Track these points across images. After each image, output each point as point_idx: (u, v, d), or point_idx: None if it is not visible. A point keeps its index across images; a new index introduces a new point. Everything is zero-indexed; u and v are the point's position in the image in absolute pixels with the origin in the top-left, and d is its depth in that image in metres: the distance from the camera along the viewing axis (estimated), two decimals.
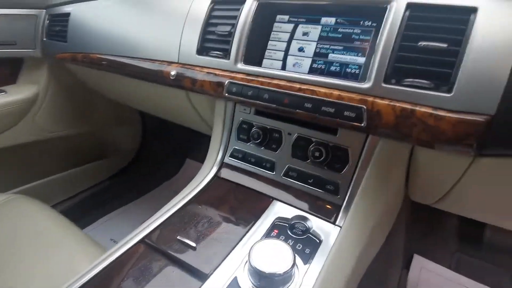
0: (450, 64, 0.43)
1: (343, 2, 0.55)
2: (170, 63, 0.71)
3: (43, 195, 1.25)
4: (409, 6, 0.47)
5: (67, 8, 0.99)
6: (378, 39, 0.49)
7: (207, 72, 0.64)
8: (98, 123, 1.41)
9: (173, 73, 0.69)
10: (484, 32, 0.42)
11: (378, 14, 0.51)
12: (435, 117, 0.43)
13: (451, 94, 0.43)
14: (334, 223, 0.53)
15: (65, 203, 1.34)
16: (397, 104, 0.46)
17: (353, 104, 0.49)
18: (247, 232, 0.52)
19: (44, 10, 1.08)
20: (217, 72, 0.63)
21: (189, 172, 1.75)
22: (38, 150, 1.24)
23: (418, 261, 1.16)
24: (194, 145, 1.75)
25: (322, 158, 0.56)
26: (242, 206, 0.59)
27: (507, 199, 0.53)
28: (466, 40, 0.43)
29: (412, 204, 0.73)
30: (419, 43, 0.45)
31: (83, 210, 1.36)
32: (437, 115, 0.43)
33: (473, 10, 0.43)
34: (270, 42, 0.63)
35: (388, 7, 0.49)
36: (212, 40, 0.65)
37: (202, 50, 0.66)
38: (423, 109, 0.44)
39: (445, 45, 0.44)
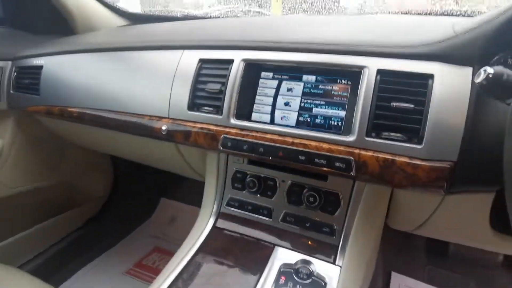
0: (418, 121, 0.52)
1: (321, 66, 0.62)
2: (160, 118, 0.73)
3: (8, 256, 1.14)
4: (379, 71, 0.56)
5: (38, 61, 0.97)
6: (357, 99, 0.57)
7: (200, 127, 0.68)
8: (67, 172, 1.34)
9: (164, 128, 0.71)
10: (440, 94, 0.51)
11: (353, 75, 0.59)
12: (412, 166, 0.51)
13: (422, 146, 0.51)
14: (334, 263, 0.58)
15: (35, 261, 1.23)
16: (380, 155, 0.53)
17: (342, 156, 0.56)
18: (258, 282, 0.55)
19: (11, 62, 1.04)
20: (210, 127, 0.67)
21: (166, 212, 1.71)
22: (1, 208, 1.14)
23: (396, 278, 1.25)
24: (168, 183, 1.72)
25: (316, 203, 0.62)
26: (246, 255, 0.61)
27: (472, 224, 0.62)
28: (428, 101, 0.52)
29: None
30: (392, 104, 0.54)
31: (55, 266, 1.26)
32: (414, 164, 0.51)
33: (431, 76, 0.53)
34: (257, 97, 0.69)
35: (362, 72, 0.57)
36: (203, 97, 0.69)
37: (193, 106, 0.70)
38: (402, 159, 0.52)
39: (412, 106, 0.52)
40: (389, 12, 0.95)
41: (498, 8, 0.52)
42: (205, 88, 0.69)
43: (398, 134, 0.53)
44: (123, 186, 1.65)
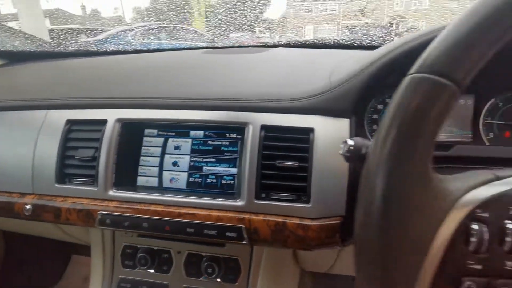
0: (303, 179, 0.50)
1: (203, 124, 0.57)
2: (23, 194, 0.60)
3: None
4: (263, 127, 0.53)
5: None
6: (243, 159, 0.53)
7: (73, 202, 0.57)
8: None
9: (28, 207, 0.58)
10: (322, 148, 0.50)
11: (240, 129, 0.56)
12: (302, 228, 0.49)
13: (310, 205, 0.49)
14: None
15: None
16: (271, 219, 0.50)
17: (232, 224, 0.51)
18: None
19: None
20: (84, 201, 0.56)
21: (79, 270, 1.47)
22: None
23: None
24: None
25: (215, 274, 0.56)
26: None
27: None
28: (311, 156, 0.51)
29: None
30: (277, 162, 0.51)
31: None
32: (304, 225, 0.49)
33: (311, 130, 0.52)
34: (142, 157, 0.60)
35: (246, 128, 0.54)
36: (74, 165, 0.58)
37: (62, 177, 0.58)
38: (293, 221, 0.50)
39: (296, 163, 0.50)
40: (290, 43, 0.95)
41: (370, 56, 0.53)
42: (76, 155, 0.58)
43: (288, 194, 0.51)
44: (24, 248, 1.37)
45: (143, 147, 0.61)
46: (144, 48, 1.08)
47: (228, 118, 0.55)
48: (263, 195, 0.52)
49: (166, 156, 0.60)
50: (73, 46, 1.28)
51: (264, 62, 0.75)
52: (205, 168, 0.58)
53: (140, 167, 0.60)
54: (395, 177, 0.24)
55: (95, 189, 0.56)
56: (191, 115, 0.57)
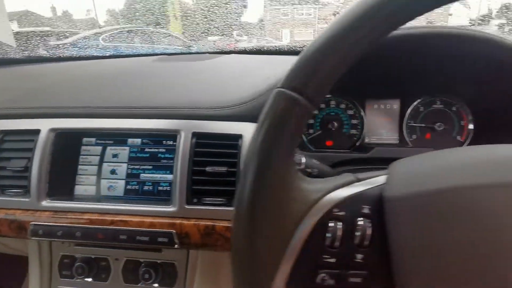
0: (233, 183, 0.52)
1: (141, 132, 0.58)
2: None
3: None
4: (194, 134, 0.54)
5: None
6: (174, 166, 0.54)
7: (6, 214, 0.56)
8: None
9: None
10: None
11: (175, 136, 0.57)
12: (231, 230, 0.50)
13: None
14: None
15: None
16: (201, 223, 0.51)
17: (164, 230, 0.52)
18: None
19: None
20: (17, 212, 0.56)
21: None
22: None
23: None
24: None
25: (152, 279, 0.56)
26: None
27: None
28: (239, 162, 0.52)
29: None
30: (207, 168, 0.52)
31: None
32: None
33: (240, 136, 0.54)
34: (80, 166, 0.60)
35: (178, 135, 0.55)
36: (6, 176, 0.58)
37: None
38: (222, 224, 0.51)
39: (225, 169, 0.52)
40: (245, 49, 0.98)
41: None
42: (8, 166, 0.57)
43: (219, 198, 0.52)
44: None
45: (81, 156, 0.61)
46: (102, 55, 1.08)
47: (161, 126, 0.56)
48: (195, 200, 0.53)
49: (104, 165, 0.60)
50: (37, 50, 1.25)
51: (210, 69, 0.76)
52: (142, 175, 0.59)
53: (78, 176, 0.60)
54: (259, 179, 0.26)
55: (28, 200, 0.56)
56: (127, 124, 0.58)
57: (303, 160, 0.46)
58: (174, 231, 0.51)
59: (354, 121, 0.66)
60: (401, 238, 0.26)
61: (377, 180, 0.29)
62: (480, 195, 0.24)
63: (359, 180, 0.29)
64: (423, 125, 0.63)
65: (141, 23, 2.00)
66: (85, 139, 0.61)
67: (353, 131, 0.66)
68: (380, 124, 0.65)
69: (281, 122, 0.25)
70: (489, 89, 0.57)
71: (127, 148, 0.60)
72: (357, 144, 0.65)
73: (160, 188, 0.58)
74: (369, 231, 0.27)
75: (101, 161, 0.60)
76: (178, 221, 0.52)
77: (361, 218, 0.27)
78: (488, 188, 0.24)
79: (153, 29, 2.02)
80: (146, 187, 0.58)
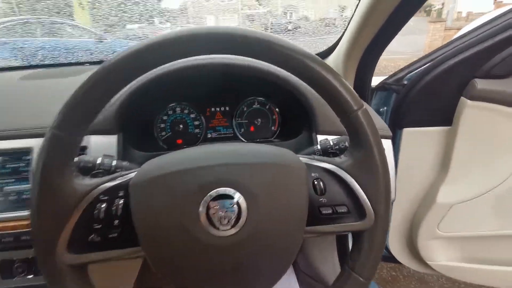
0: None
1: None
2: None
3: None
4: None
5: None
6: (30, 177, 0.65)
7: None
8: None
9: None
10: None
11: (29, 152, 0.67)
12: None
13: None
14: None
15: None
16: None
17: (25, 230, 0.63)
18: None
19: None
20: None
21: None
22: None
23: None
24: None
25: (25, 273, 0.68)
26: None
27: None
28: None
29: None
30: None
31: None
32: None
33: (85, 147, 0.66)
34: None
35: (31, 152, 0.65)
36: None
37: None
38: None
39: None
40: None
41: None
42: None
43: None
44: None
45: None
46: None
47: (17, 145, 0.66)
48: None
49: None
50: None
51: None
52: (5, 188, 0.68)
53: None
54: (41, 186, 0.40)
55: None
56: None
57: (99, 161, 0.57)
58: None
59: (196, 122, 0.82)
60: (134, 210, 0.43)
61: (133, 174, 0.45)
62: (170, 180, 0.42)
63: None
64: (247, 121, 0.82)
65: (41, 13, 1.86)
66: None
67: (197, 130, 0.82)
68: (217, 123, 0.83)
69: (50, 151, 0.39)
70: (280, 92, 0.76)
71: None
72: (201, 139, 0.82)
73: (25, 196, 0.68)
74: (121, 206, 0.43)
75: None
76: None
77: (118, 199, 0.43)
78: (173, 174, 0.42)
79: (57, 20, 1.90)
80: (11, 197, 0.68)
